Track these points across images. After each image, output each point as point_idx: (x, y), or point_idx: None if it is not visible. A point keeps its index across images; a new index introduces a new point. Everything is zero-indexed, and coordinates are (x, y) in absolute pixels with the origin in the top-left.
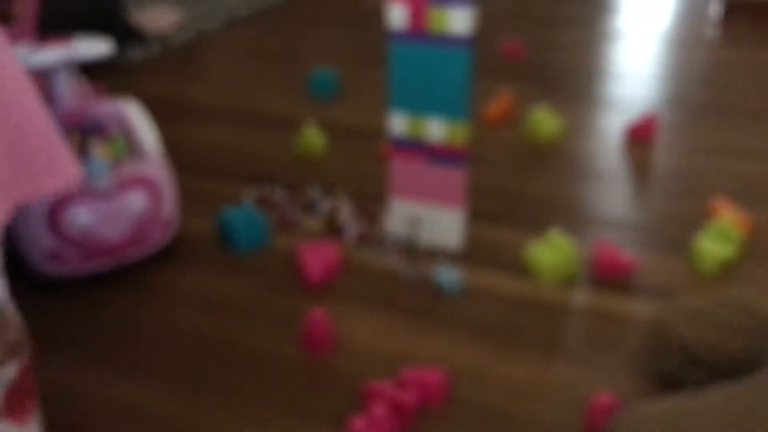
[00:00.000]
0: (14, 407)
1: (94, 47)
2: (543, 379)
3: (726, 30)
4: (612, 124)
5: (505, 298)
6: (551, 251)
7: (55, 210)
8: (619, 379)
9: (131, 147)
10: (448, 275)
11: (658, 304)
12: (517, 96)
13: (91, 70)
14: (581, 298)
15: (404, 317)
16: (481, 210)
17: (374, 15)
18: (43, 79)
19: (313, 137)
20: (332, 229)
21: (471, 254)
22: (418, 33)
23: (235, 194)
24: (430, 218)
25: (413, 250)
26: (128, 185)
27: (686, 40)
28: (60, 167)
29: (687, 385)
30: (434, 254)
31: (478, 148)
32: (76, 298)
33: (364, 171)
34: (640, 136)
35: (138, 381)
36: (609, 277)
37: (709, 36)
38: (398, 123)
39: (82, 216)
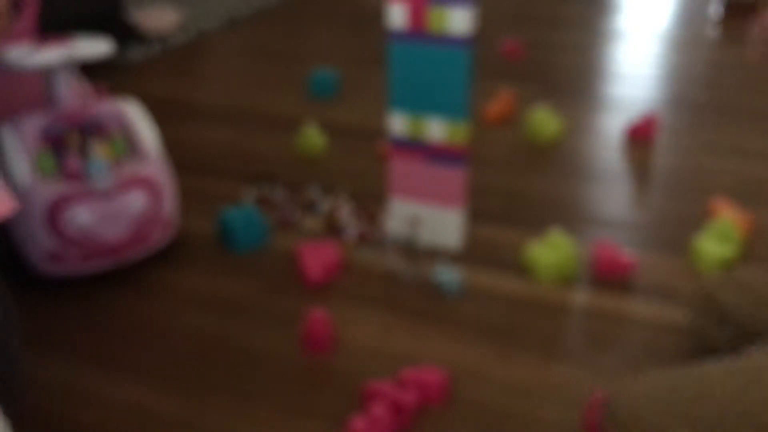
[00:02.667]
0: None
1: (94, 47)
2: (543, 379)
3: (726, 30)
4: (612, 124)
5: (505, 298)
6: (551, 251)
7: (55, 210)
8: (619, 379)
9: (131, 147)
10: (448, 275)
11: (657, 304)
12: (517, 96)
13: (91, 70)
14: (581, 298)
15: (404, 317)
16: (481, 210)
17: (374, 15)
18: (43, 79)
19: (313, 137)
20: (332, 229)
21: (471, 254)
22: (418, 33)
23: (235, 194)
24: (430, 218)
25: (413, 250)
26: (128, 185)
27: (686, 40)
28: None
29: (715, 342)
30: (434, 254)
31: (478, 148)
32: (76, 298)
33: (363, 171)
34: (640, 136)
35: (138, 381)
36: (609, 276)
37: (709, 36)
38: (398, 123)
39: (82, 216)
